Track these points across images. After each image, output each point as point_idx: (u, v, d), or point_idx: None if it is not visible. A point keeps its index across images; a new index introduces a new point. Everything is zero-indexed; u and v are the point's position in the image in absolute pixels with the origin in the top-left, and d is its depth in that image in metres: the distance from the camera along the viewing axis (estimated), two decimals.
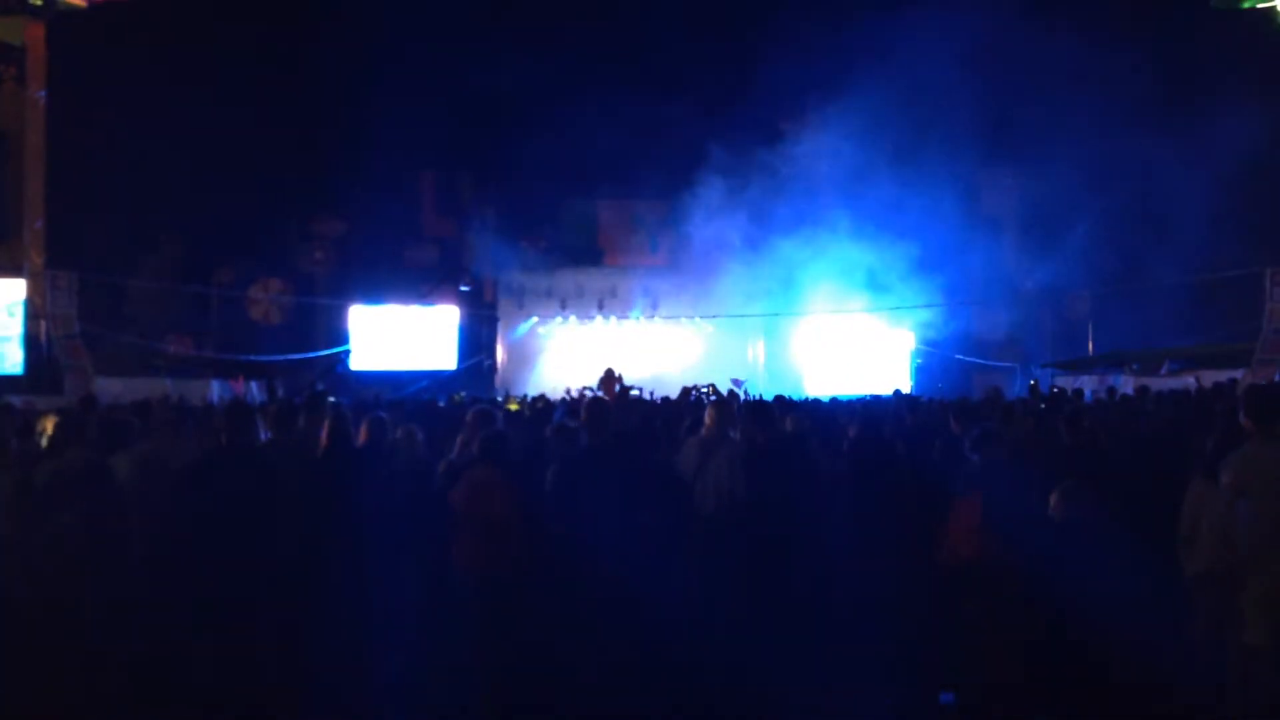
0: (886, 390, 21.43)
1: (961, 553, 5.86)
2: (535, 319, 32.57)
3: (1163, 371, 20.91)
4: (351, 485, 6.18)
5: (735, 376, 22.73)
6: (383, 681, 5.75)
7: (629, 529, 6.28)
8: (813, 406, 13.28)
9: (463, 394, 23.25)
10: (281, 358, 27.66)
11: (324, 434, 6.84)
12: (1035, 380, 21.49)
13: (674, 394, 19.75)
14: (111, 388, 21.11)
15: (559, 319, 32.48)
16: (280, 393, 24.50)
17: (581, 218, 33.63)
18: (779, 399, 12.05)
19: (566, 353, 32.26)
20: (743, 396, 16.48)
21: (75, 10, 22.79)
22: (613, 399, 18.17)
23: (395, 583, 5.94)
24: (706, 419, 6.96)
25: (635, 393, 15.46)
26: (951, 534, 5.95)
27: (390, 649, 5.88)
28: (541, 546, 5.78)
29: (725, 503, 6.58)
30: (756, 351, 32.05)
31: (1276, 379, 18.87)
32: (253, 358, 26.88)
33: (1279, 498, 4.95)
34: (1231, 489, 5.12)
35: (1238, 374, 19.14)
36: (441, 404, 18.78)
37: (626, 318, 32.57)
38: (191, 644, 5.23)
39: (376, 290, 31.09)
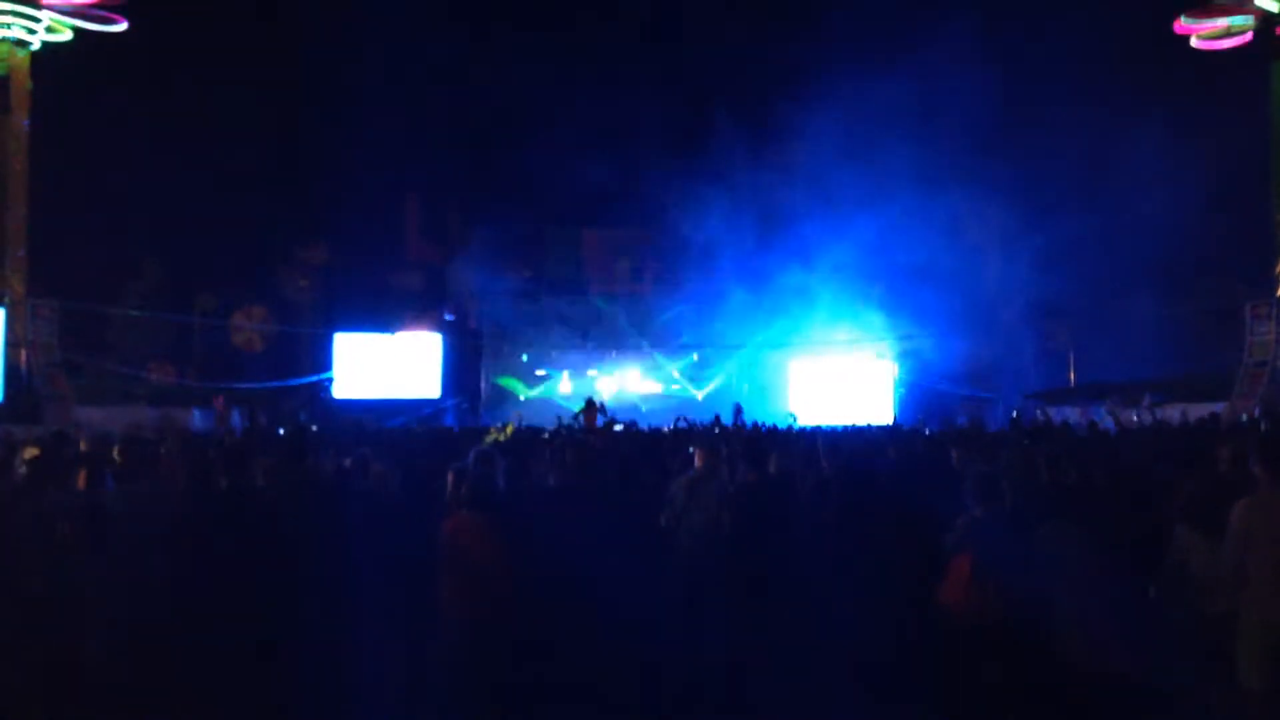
0: (870, 420, 21.57)
1: (959, 609, 5.84)
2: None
3: (1144, 404, 20.98)
4: (338, 526, 6.18)
5: (737, 401, 22.75)
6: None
7: (602, 572, 6.31)
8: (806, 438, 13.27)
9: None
10: (264, 385, 27.56)
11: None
12: (1018, 412, 21.55)
13: (659, 423, 19.80)
14: (92, 416, 21.01)
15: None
16: (262, 421, 24.39)
17: (566, 246, 33.69)
18: (765, 434, 12.07)
19: (553, 381, 32.34)
20: (745, 422, 16.46)
21: (60, 42, 22.80)
22: (593, 428, 18.17)
23: (381, 624, 5.93)
24: (696, 459, 6.97)
25: (619, 426, 15.39)
26: (949, 589, 5.93)
27: (376, 691, 5.85)
28: (524, 590, 5.77)
29: (709, 542, 6.58)
30: (741, 380, 32.08)
31: (1256, 411, 19.05)
32: (235, 385, 26.75)
33: None
34: (1240, 534, 5.18)
35: (1217, 408, 19.28)
36: (420, 431, 18.74)
37: (611, 346, 32.59)
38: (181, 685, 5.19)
39: (360, 317, 31.03)
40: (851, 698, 6.37)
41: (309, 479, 7.06)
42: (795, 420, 17.18)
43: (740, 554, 6.56)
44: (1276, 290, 22.73)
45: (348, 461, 7.20)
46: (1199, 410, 17.78)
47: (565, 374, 32.32)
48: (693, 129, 27.76)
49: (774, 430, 14.69)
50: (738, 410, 18.46)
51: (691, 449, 9.52)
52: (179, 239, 27.96)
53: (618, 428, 14.97)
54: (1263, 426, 13.05)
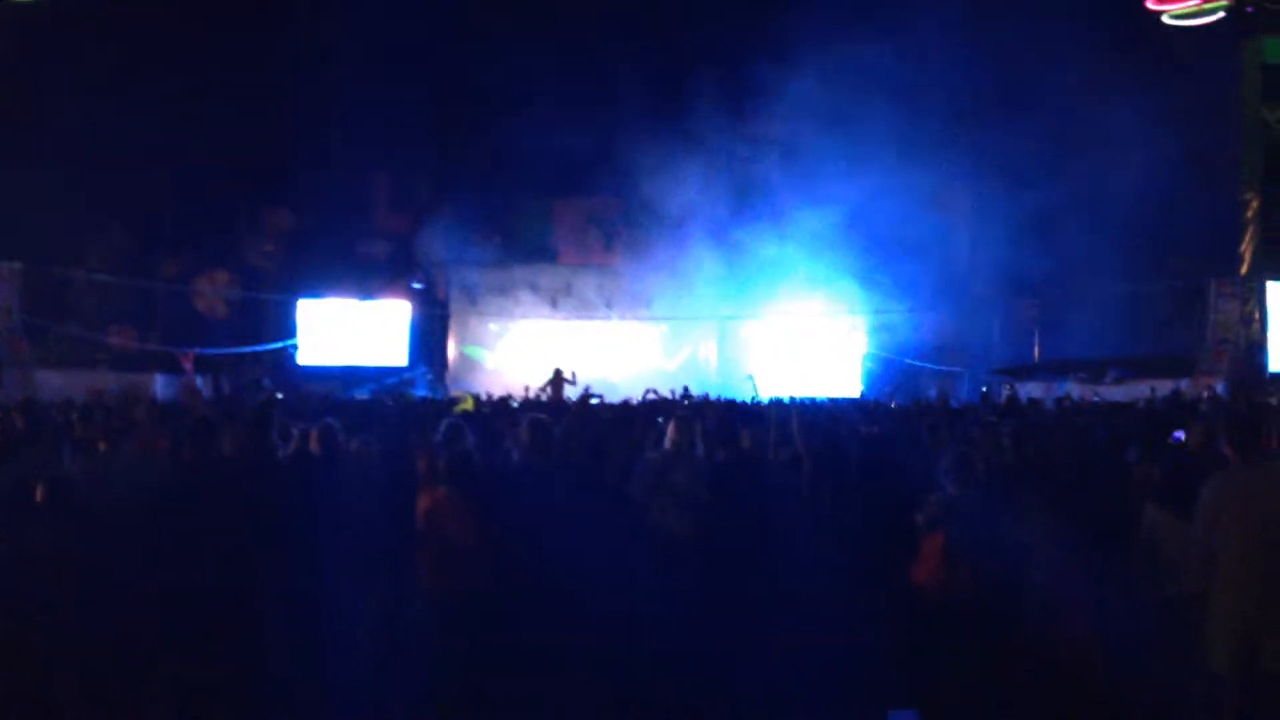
0: (838, 392, 21.64)
1: (932, 588, 5.86)
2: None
3: (1108, 380, 21.20)
4: (311, 500, 6.09)
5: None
6: (343, 698, 5.67)
7: (577, 548, 6.28)
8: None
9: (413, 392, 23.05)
10: (228, 351, 27.25)
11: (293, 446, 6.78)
12: (987, 388, 21.72)
13: (629, 395, 19.74)
14: (52, 380, 20.74)
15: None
16: (226, 387, 24.17)
17: (536, 215, 33.43)
18: (737, 409, 12.05)
19: (519, 352, 32.14)
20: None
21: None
22: (559, 399, 18.12)
23: (355, 600, 5.87)
24: (669, 434, 6.91)
25: (595, 400, 15.32)
26: (921, 567, 5.93)
27: (351, 667, 5.80)
28: (500, 566, 5.71)
29: (685, 520, 6.54)
30: (708, 353, 32.05)
31: (1218, 388, 19.28)
32: (198, 350, 26.43)
33: (1257, 523, 5.03)
34: (1210, 512, 5.19)
35: (1182, 384, 19.49)
36: (390, 404, 18.57)
37: (580, 316, 32.45)
38: (153, 665, 5.12)
39: (326, 284, 30.69)
40: (825, 676, 6.38)
41: (273, 454, 6.92)
42: (754, 382, 17.01)
43: (716, 532, 6.52)
44: (1241, 268, 22.96)
45: (312, 433, 7.01)
46: (1161, 386, 17.97)
47: (532, 343, 32.19)
48: (666, 98, 27.47)
49: (744, 405, 14.68)
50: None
51: (660, 419, 9.53)
52: (142, 202, 27.49)
53: (594, 400, 14.89)
54: (1234, 404, 13.17)
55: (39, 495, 5.04)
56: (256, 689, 5.58)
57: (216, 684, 5.19)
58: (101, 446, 6.72)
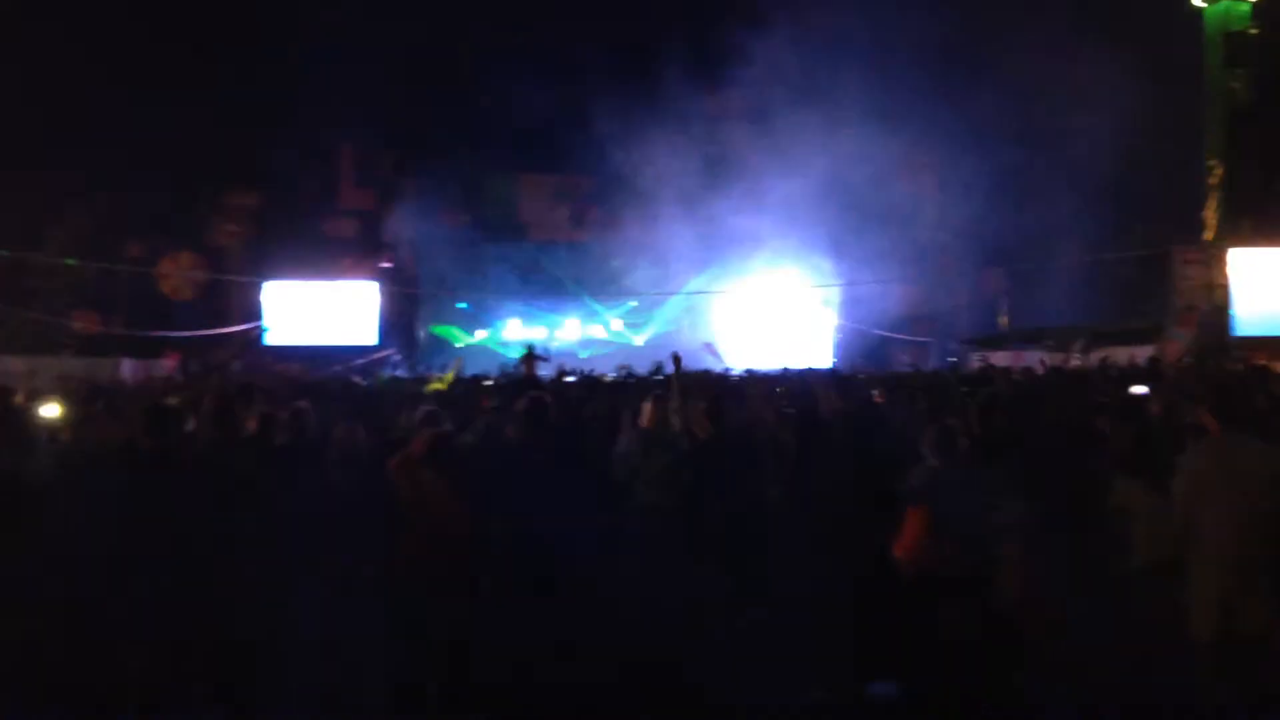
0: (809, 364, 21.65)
1: (914, 561, 5.87)
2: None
3: (1076, 348, 21.34)
4: (286, 484, 6.05)
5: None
6: (322, 684, 5.64)
7: (563, 527, 6.28)
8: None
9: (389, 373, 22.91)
10: (194, 334, 26.94)
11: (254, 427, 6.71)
12: (956, 359, 21.85)
13: (600, 371, 19.68)
14: (14, 366, 20.42)
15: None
16: (193, 369, 23.91)
17: (503, 193, 33.26)
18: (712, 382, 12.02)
19: (492, 329, 32.13)
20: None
21: None
22: (532, 377, 18.03)
23: (333, 585, 5.82)
24: (645, 413, 6.89)
25: (571, 378, 15.25)
26: (904, 541, 5.94)
27: (332, 653, 5.77)
28: (484, 546, 5.69)
29: (668, 497, 6.54)
30: (679, 327, 32.04)
31: (1185, 359, 19.45)
32: (164, 334, 26.14)
33: (1239, 492, 5.08)
34: (1190, 482, 5.23)
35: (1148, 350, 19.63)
36: (365, 383, 18.43)
37: (550, 293, 32.39)
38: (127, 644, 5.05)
39: (293, 265, 30.41)
40: (805, 649, 6.41)
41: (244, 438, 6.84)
42: (716, 345, 16.87)
43: (698, 508, 6.52)
44: (1206, 235, 23.17)
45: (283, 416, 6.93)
46: (1137, 354, 18.09)
47: (503, 321, 32.14)
48: (633, 72, 27.37)
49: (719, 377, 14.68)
50: (677, 360, 18.30)
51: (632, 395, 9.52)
52: (103, 184, 27.07)
53: (569, 378, 14.81)
54: (1203, 370, 13.29)
55: None
56: (235, 678, 5.55)
57: (192, 674, 5.14)
58: (65, 435, 6.59)
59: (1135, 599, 5.61)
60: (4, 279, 25.06)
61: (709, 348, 14.61)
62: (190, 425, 6.78)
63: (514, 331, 31.13)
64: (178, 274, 30.27)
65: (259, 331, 29.51)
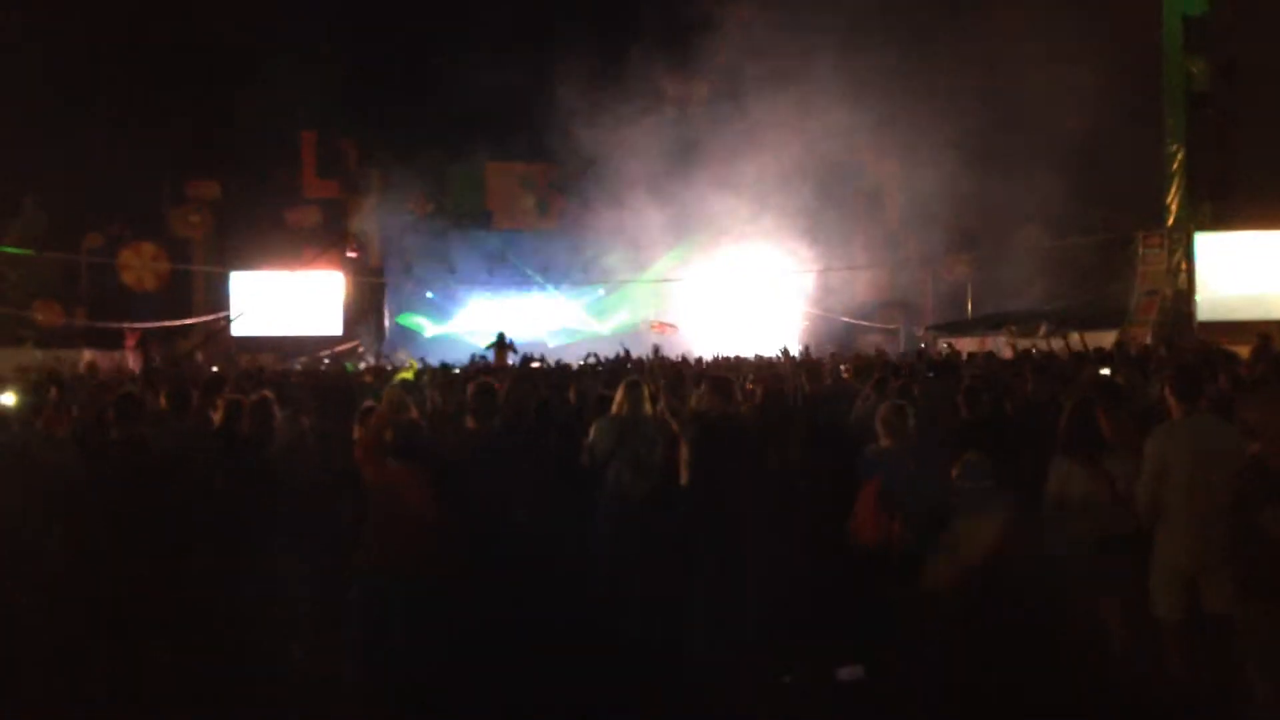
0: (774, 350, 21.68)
1: (865, 536, 5.93)
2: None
3: (1041, 333, 21.49)
4: (249, 477, 6.01)
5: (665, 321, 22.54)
6: (291, 681, 5.62)
7: (527, 512, 6.27)
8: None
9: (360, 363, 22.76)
10: (158, 325, 26.64)
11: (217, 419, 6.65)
12: (924, 345, 21.94)
13: (566, 359, 19.65)
14: None
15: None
16: (156, 361, 23.66)
17: (469, 180, 33.09)
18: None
19: (459, 318, 32.03)
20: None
21: None
22: (504, 366, 17.99)
23: (299, 579, 5.78)
24: (617, 399, 6.87)
25: (536, 364, 15.23)
26: (857, 516, 6.01)
27: (298, 647, 5.74)
28: (455, 541, 5.66)
29: (641, 483, 6.52)
30: (646, 314, 32.02)
31: (1148, 340, 19.65)
32: (127, 325, 25.84)
33: (1202, 471, 5.13)
34: (1156, 463, 5.28)
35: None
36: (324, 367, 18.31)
37: (516, 282, 32.32)
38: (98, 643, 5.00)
39: (257, 254, 30.18)
40: (774, 633, 6.43)
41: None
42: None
43: (670, 493, 6.51)
44: (1167, 220, 23.36)
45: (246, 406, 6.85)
46: (1094, 338, 18.21)
47: (470, 310, 32.02)
48: (598, 58, 27.24)
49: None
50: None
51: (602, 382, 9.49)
52: (62, 173, 26.67)
53: (535, 364, 14.79)
54: (1167, 354, 13.43)
55: None
56: (206, 674, 5.51)
57: (164, 673, 5.08)
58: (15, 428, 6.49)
59: (1088, 578, 5.63)
60: None
61: (658, 325, 14.65)
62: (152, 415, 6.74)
63: (481, 320, 30.95)
64: (140, 264, 29.94)
65: (224, 321, 29.29)
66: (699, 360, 17.31)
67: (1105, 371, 10.45)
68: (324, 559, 5.88)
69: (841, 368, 11.77)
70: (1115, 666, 5.47)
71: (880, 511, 6.03)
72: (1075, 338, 12.66)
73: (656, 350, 15.84)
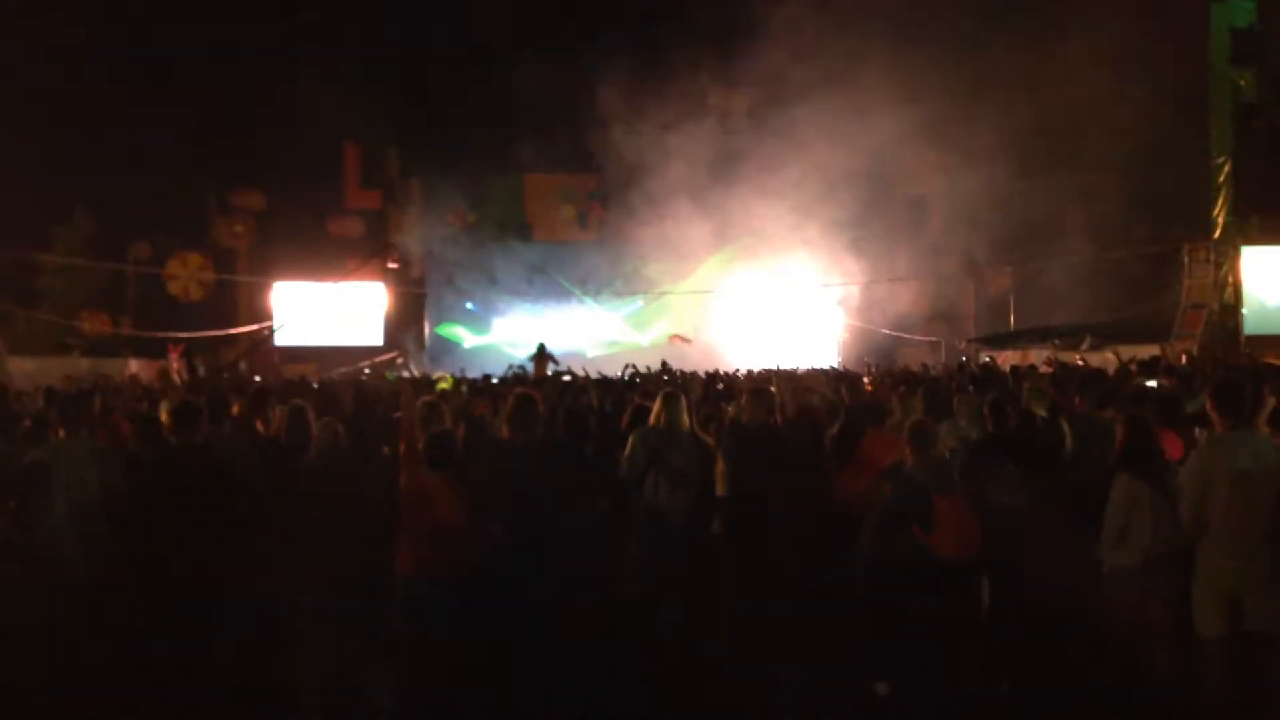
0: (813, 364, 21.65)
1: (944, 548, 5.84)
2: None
3: (1084, 346, 21.27)
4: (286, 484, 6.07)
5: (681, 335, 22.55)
6: (330, 686, 5.65)
7: (563, 526, 6.29)
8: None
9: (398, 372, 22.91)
10: (202, 335, 26.99)
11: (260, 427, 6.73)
12: (966, 358, 21.79)
13: (605, 370, 19.68)
14: (24, 367, 20.48)
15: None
16: (201, 371, 23.96)
17: (508, 192, 33.26)
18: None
19: (499, 329, 32.17)
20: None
21: None
22: (543, 377, 18.03)
23: (333, 585, 5.82)
24: (655, 410, 6.84)
25: (568, 376, 15.24)
26: (939, 530, 5.90)
27: (334, 653, 5.77)
28: (488, 547, 5.68)
29: (679, 497, 6.50)
30: (684, 327, 31.99)
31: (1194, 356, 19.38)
32: (173, 335, 26.19)
33: (1241, 487, 5.04)
34: (1198, 479, 5.20)
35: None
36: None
37: (555, 293, 32.40)
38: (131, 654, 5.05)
39: (299, 265, 30.49)
40: (811, 651, 6.39)
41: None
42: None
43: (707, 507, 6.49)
44: (1214, 233, 23.06)
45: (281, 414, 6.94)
46: (1144, 352, 18.00)
47: (510, 321, 32.14)
48: (639, 69, 27.26)
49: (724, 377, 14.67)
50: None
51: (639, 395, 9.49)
52: (110, 185, 27.12)
53: (567, 378, 14.81)
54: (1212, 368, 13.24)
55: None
56: (241, 676, 5.56)
57: (200, 672, 5.13)
58: (60, 434, 6.58)
59: (1130, 594, 5.55)
60: (13, 282, 25.13)
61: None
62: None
63: (521, 331, 31.02)
64: (186, 274, 30.35)
65: (267, 331, 29.62)
66: (734, 372, 17.29)
67: (1151, 383, 10.36)
68: (363, 565, 5.92)
69: (865, 380, 11.70)
70: (1158, 682, 5.39)
71: (969, 527, 5.91)
72: (1110, 354, 12.53)
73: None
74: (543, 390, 9.41)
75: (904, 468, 6.28)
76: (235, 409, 7.25)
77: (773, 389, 7.50)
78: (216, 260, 30.87)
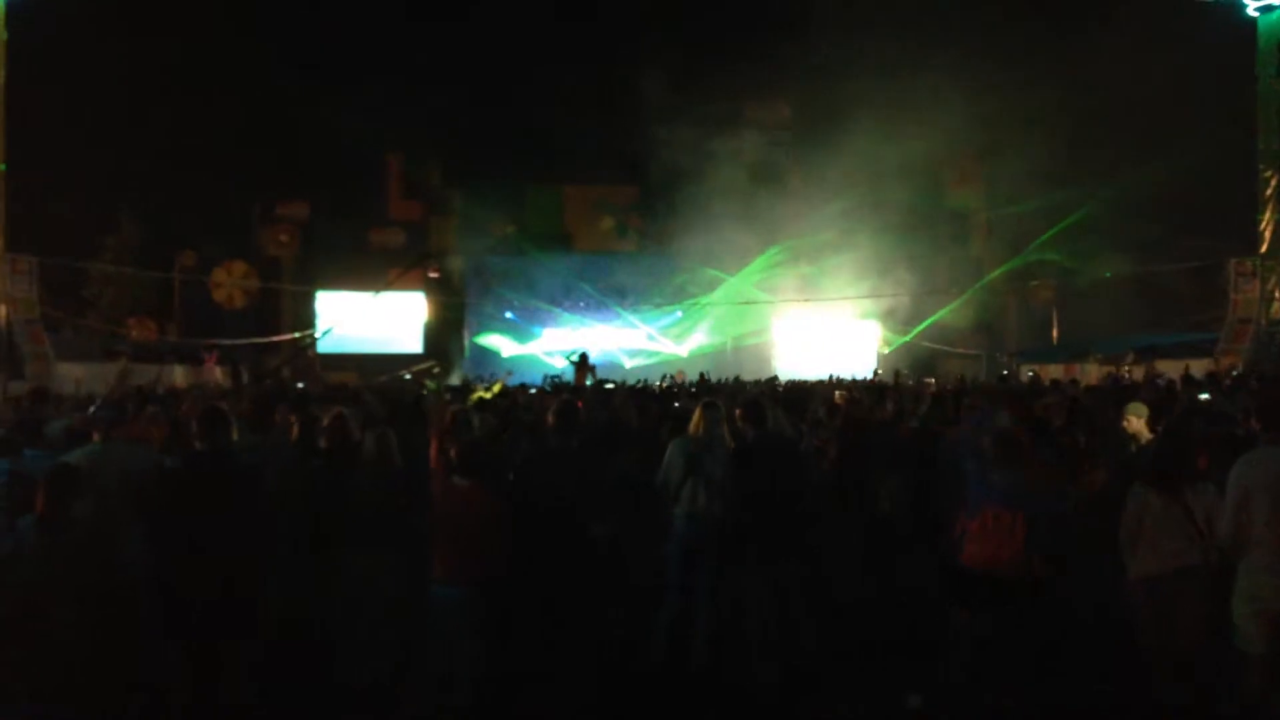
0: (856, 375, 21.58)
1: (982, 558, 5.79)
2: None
3: (1128, 361, 21.08)
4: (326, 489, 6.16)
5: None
6: (362, 689, 5.70)
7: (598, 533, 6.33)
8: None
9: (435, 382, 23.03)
10: (246, 341, 27.31)
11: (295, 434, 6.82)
12: (1007, 372, 21.62)
13: (639, 380, 19.75)
14: (73, 373, 20.80)
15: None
16: (245, 378, 24.22)
17: (548, 202, 33.45)
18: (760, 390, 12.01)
19: (538, 339, 32.32)
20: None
21: None
22: (583, 385, 18.11)
23: (372, 589, 5.89)
24: (694, 419, 6.86)
25: (610, 385, 15.30)
26: (975, 539, 5.86)
27: (371, 655, 5.83)
28: (521, 552, 5.72)
29: (715, 504, 6.52)
30: (726, 337, 32.00)
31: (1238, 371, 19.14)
32: (217, 342, 26.54)
33: None
34: (1240, 492, 5.14)
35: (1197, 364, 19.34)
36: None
37: (594, 304, 32.50)
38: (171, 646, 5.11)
39: (341, 275, 30.82)
40: (850, 658, 6.38)
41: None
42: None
43: (744, 514, 6.50)
44: (1261, 247, 22.79)
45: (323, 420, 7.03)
46: (1179, 366, 17.83)
47: (549, 332, 32.27)
48: (679, 81, 27.35)
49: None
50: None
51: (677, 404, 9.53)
52: (158, 194, 27.59)
53: (608, 386, 14.86)
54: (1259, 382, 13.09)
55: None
56: (276, 680, 5.62)
57: (236, 674, 5.18)
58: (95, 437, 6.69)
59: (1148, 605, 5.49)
60: (62, 289, 25.57)
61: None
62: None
63: (559, 341, 31.15)
64: (231, 283, 30.76)
65: (310, 339, 29.94)
66: (772, 380, 17.28)
67: (1204, 397, 10.26)
68: (401, 570, 5.98)
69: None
70: (1190, 697, 5.33)
71: (1024, 544, 5.85)
72: (1155, 368, 12.40)
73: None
74: (583, 399, 9.44)
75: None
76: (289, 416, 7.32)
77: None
78: (261, 269, 31.28)
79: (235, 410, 6.40)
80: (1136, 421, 7.19)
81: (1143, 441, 7.03)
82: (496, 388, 13.68)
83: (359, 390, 15.07)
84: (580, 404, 7.34)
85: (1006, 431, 6.26)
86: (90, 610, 4.79)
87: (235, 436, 5.73)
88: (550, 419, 6.65)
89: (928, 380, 18.12)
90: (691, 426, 6.90)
